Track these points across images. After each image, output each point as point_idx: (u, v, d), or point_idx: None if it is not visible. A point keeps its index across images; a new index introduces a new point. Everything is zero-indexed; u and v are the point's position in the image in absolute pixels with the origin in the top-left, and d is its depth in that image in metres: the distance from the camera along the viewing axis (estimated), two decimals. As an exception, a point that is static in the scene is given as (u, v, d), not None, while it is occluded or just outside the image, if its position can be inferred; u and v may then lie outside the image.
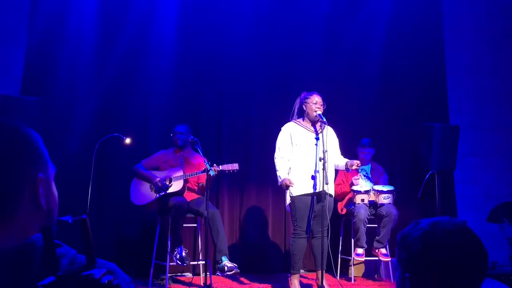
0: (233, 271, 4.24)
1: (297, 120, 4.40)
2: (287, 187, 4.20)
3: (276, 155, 4.34)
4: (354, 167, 4.29)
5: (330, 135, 4.29)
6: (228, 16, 5.64)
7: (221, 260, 4.29)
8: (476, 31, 6.29)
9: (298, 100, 4.44)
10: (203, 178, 4.51)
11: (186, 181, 4.60)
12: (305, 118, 4.35)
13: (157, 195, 4.49)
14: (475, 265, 1.11)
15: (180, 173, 4.57)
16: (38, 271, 0.82)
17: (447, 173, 5.45)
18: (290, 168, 4.28)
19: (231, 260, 4.34)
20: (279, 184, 4.29)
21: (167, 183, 4.54)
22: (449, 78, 6.04)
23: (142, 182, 4.65)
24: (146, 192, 4.60)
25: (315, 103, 4.29)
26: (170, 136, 4.78)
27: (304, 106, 4.35)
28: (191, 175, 4.56)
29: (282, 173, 4.27)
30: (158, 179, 4.53)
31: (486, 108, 6.25)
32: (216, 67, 5.62)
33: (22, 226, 0.88)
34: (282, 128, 4.39)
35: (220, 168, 4.35)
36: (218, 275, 4.40)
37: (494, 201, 5.80)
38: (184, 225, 4.56)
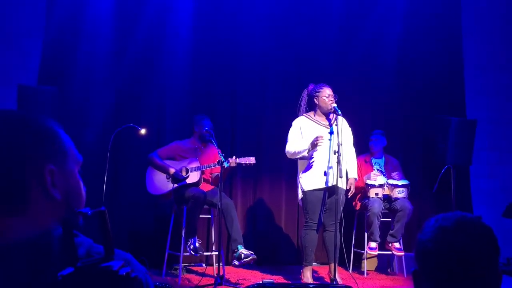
0: (250, 257, 4.26)
1: (308, 114, 4.36)
2: (317, 142, 4.05)
3: (286, 148, 4.32)
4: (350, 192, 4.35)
5: (344, 126, 4.25)
6: (243, 11, 5.62)
7: (237, 249, 4.31)
8: (495, 24, 6.18)
9: (305, 93, 4.40)
10: (216, 169, 4.53)
11: (202, 173, 4.63)
12: (317, 111, 4.32)
13: (174, 185, 4.51)
14: (487, 261, 1.09)
15: (197, 164, 4.59)
16: (57, 261, 0.83)
17: (463, 168, 5.40)
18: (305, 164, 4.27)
19: (243, 252, 4.36)
20: (310, 152, 4.16)
21: (184, 173, 4.56)
22: (466, 72, 5.95)
23: (158, 171, 4.67)
24: (163, 181, 4.61)
25: (328, 96, 4.25)
26: (188, 127, 4.80)
27: (315, 100, 4.30)
28: (207, 167, 4.57)
29: (302, 145, 4.18)
30: (173, 171, 4.55)
31: (504, 103, 6.15)
32: (231, 59, 5.61)
33: (36, 217, 0.89)
34: (293, 123, 4.36)
35: (238, 161, 4.36)
36: (234, 265, 4.39)
37: (511, 197, 5.73)
38: (198, 216, 4.59)
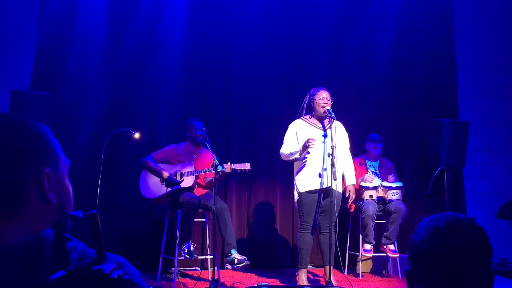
0: (243, 263, 4.25)
1: (305, 117, 4.40)
2: (308, 144, 4.09)
3: (281, 150, 4.35)
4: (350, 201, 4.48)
5: (339, 130, 4.28)
6: (238, 11, 5.63)
7: (231, 253, 4.30)
8: (487, 25, 6.23)
9: (307, 97, 4.45)
10: (210, 173, 4.53)
11: (196, 177, 4.62)
12: (313, 114, 4.35)
13: (168, 189, 4.50)
14: (479, 261, 1.10)
15: (191, 169, 4.57)
16: (49, 265, 0.83)
17: (456, 170, 5.42)
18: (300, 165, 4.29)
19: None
20: (302, 154, 4.20)
21: (178, 178, 4.55)
22: (459, 74, 5.99)
23: (152, 174, 4.66)
24: (156, 185, 4.60)
25: (322, 99, 4.28)
26: (182, 131, 4.79)
27: (312, 103, 4.35)
28: (202, 172, 4.56)
29: (295, 147, 4.23)
30: (167, 174, 4.54)
31: (497, 104, 6.20)
32: (226, 62, 5.62)
33: (32, 221, 0.89)
34: (289, 126, 4.40)
35: (233, 167, 4.36)
36: (227, 268, 4.40)
37: (504, 198, 5.76)
38: (192, 220, 4.57)
